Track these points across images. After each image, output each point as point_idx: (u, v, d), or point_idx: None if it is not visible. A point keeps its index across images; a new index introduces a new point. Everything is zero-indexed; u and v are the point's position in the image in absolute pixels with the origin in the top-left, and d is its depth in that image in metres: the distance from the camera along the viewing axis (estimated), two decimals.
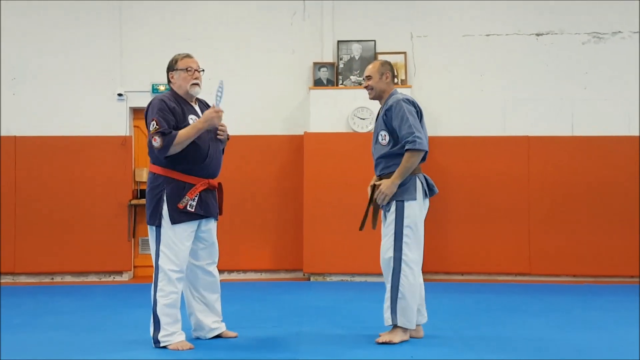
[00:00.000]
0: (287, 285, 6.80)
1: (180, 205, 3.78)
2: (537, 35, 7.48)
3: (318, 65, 7.37)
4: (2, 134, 7.26)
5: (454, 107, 7.40)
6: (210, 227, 3.99)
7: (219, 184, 4.02)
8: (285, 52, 7.52)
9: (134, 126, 7.56)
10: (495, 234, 7.21)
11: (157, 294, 3.78)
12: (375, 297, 5.46)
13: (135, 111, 7.52)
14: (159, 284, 3.78)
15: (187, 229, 3.83)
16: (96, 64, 7.41)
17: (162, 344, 3.80)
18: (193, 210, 3.81)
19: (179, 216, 3.79)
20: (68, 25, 7.41)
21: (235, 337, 4.10)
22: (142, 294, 6.17)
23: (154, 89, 7.38)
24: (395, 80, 4.27)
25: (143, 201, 7.29)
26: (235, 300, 5.57)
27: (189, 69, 3.90)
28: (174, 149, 3.75)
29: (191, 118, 3.87)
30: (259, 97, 7.50)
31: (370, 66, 4.16)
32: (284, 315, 5.01)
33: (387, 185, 3.93)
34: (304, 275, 7.23)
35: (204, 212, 3.87)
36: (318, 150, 7.10)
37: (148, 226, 3.89)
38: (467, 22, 7.51)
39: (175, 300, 3.81)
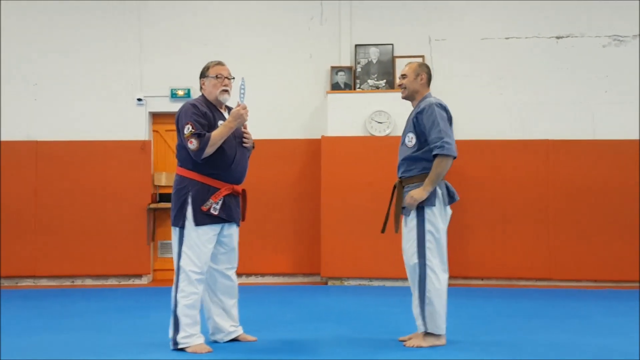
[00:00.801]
0: (304, 290, 6.80)
1: (204, 208, 3.84)
2: (557, 38, 7.42)
3: (335, 69, 7.37)
4: (23, 139, 7.35)
5: (472, 110, 7.36)
6: (232, 232, 4.02)
7: (243, 190, 4.07)
8: (303, 57, 7.54)
9: (153, 131, 7.62)
10: (515, 239, 7.15)
11: (178, 295, 3.82)
12: (393, 301, 5.45)
13: (155, 116, 7.59)
14: (180, 285, 3.82)
15: (210, 231, 3.88)
16: (116, 69, 7.49)
17: (180, 346, 3.82)
18: (216, 213, 3.87)
19: (203, 218, 3.84)
20: (88, 31, 7.50)
21: (254, 341, 4.11)
22: (161, 297, 6.22)
23: (173, 94, 7.44)
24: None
25: (162, 205, 7.35)
26: (254, 304, 5.57)
27: (219, 76, 3.99)
28: (209, 150, 3.83)
29: (220, 124, 3.93)
30: (276, 102, 7.52)
31: (407, 66, 4.19)
32: (302, 319, 5.00)
33: (418, 192, 3.92)
34: (321, 279, 7.22)
35: (226, 216, 3.92)
36: (336, 154, 7.10)
37: (172, 227, 3.93)
38: (485, 25, 7.47)
39: (196, 302, 3.84)
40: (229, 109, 4.13)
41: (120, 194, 7.32)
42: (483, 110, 7.38)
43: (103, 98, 7.47)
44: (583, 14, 7.39)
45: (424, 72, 4.15)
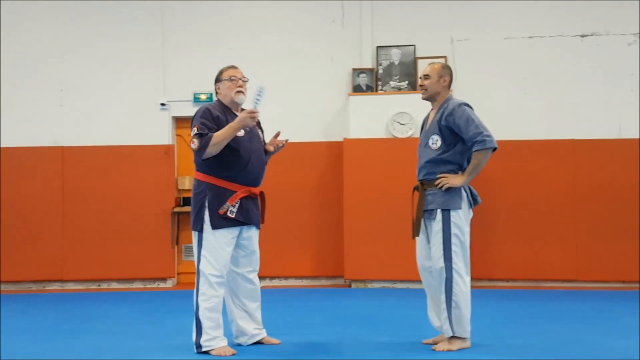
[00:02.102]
0: (328, 292, 6.79)
1: (221, 211, 3.85)
2: (582, 36, 7.32)
3: (357, 72, 7.36)
4: (50, 145, 7.45)
5: (496, 111, 7.28)
6: (252, 234, 4.03)
7: (261, 192, 4.07)
8: (324, 59, 7.55)
9: (177, 135, 7.67)
10: (541, 240, 7.06)
11: (199, 298, 3.84)
12: (417, 304, 5.41)
13: (178, 120, 7.65)
14: (201, 288, 3.84)
15: (228, 234, 3.89)
16: (139, 74, 7.56)
17: (204, 349, 3.83)
18: (233, 216, 3.87)
19: (220, 222, 3.86)
20: (112, 36, 7.58)
21: (278, 344, 4.11)
22: (186, 300, 6.25)
23: (196, 98, 7.49)
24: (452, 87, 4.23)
25: (186, 209, 7.41)
26: (277, 306, 5.58)
27: (232, 77, 4.01)
28: (212, 150, 3.82)
29: None
30: (298, 105, 7.53)
31: (430, 66, 4.14)
32: (325, 322, 4.99)
33: (456, 178, 3.91)
34: (345, 282, 7.21)
35: (244, 219, 3.92)
36: (358, 157, 7.09)
37: (192, 231, 3.95)
38: (508, 24, 7.40)
39: (217, 304, 3.85)
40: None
41: (145, 198, 7.38)
42: (507, 111, 7.31)
43: (127, 103, 7.55)
44: (607, 12, 7.28)
45: (447, 75, 4.11)
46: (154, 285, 7.40)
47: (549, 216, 7.07)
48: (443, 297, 3.89)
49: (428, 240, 4.01)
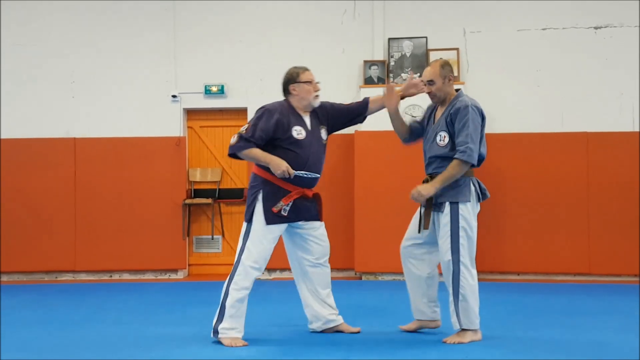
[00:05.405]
0: (338, 284, 6.73)
1: (275, 210, 3.95)
2: (596, 28, 7.25)
3: (369, 64, 7.33)
4: (62, 136, 7.49)
5: (509, 103, 7.24)
6: (315, 225, 4.12)
7: (316, 194, 4.15)
8: (336, 51, 7.51)
9: (188, 127, 7.69)
10: (554, 233, 7.02)
11: (231, 286, 3.91)
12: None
13: (189, 112, 7.66)
14: (236, 277, 3.92)
15: (276, 231, 4.00)
16: (151, 66, 7.57)
17: (220, 335, 3.89)
18: (286, 214, 3.97)
19: (272, 218, 3.96)
20: (123, 28, 7.59)
21: (358, 332, 4.18)
22: (197, 292, 6.30)
23: (207, 90, 7.50)
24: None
25: (197, 200, 7.44)
26: (288, 298, 5.59)
27: (312, 81, 4.10)
28: (241, 156, 3.98)
29: (295, 129, 4.01)
30: None
31: (430, 70, 4.01)
32: None
33: (426, 188, 3.90)
34: (355, 274, 7.21)
35: (295, 217, 4.01)
36: (369, 149, 7.07)
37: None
38: (521, 16, 7.34)
39: (245, 296, 3.94)
40: (312, 111, 4.17)
41: (156, 189, 7.41)
42: (520, 103, 7.26)
43: (138, 95, 7.57)
44: (621, 3, 7.20)
45: (450, 72, 4.01)
46: (165, 277, 7.44)
47: (562, 209, 7.03)
48: (451, 290, 3.90)
49: (419, 230, 4.03)
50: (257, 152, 3.94)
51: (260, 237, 3.95)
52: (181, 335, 4.19)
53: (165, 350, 3.80)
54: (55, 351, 3.81)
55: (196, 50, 7.57)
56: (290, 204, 3.97)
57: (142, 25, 7.60)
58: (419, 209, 4.12)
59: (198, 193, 7.58)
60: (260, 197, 3.96)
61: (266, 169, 3.97)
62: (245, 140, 3.93)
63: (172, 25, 7.59)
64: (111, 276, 7.46)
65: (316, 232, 4.14)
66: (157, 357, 3.65)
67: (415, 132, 4.27)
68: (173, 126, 7.52)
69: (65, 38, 7.60)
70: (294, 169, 3.95)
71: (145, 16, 7.61)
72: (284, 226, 4.02)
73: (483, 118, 3.99)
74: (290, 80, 4.12)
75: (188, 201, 7.45)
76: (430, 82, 4.00)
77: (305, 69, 4.15)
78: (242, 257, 3.94)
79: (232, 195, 7.61)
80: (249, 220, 3.98)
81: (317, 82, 4.14)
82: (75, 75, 7.59)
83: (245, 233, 3.99)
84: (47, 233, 7.35)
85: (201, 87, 7.53)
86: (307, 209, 4.07)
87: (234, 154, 4.00)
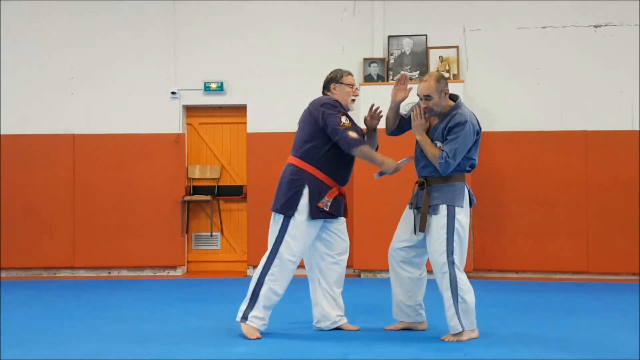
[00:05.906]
0: None
1: (320, 205, 4.02)
2: (595, 27, 7.25)
3: (368, 61, 7.33)
4: (61, 133, 7.48)
5: (508, 101, 7.24)
6: (342, 221, 4.21)
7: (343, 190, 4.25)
8: (335, 49, 7.50)
9: (187, 124, 7.68)
10: (552, 231, 7.03)
11: (268, 277, 3.97)
12: (426, 294, 5.40)
13: (189, 109, 7.65)
14: (272, 269, 3.98)
15: (317, 225, 4.07)
16: (150, 63, 7.56)
17: (247, 322, 3.95)
18: (328, 209, 4.04)
19: (317, 213, 4.03)
20: (123, 25, 7.58)
21: (357, 330, 4.21)
22: (196, 288, 6.30)
23: (206, 87, 7.49)
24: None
25: (196, 197, 7.43)
26: (287, 296, 5.58)
27: (353, 85, 4.23)
28: (357, 152, 4.03)
29: None
30: (309, 94, 7.36)
31: (425, 85, 3.94)
32: None
33: (420, 130, 4.04)
34: (354, 272, 7.21)
35: (335, 212, 4.10)
36: None
37: (273, 213, 4.07)
38: (521, 14, 7.33)
39: (280, 289, 4.00)
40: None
41: (155, 186, 7.41)
42: (520, 102, 7.26)
43: (138, 92, 7.55)
44: (621, 2, 7.19)
45: (445, 86, 3.97)
46: (164, 274, 7.44)
47: (560, 207, 7.04)
48: (448, 293, 3.90)
49: (414, 232, 4.06)
50: (369, 150, 4.09)
51: (302, 232, 4.00)
52: (180, 332, 4.19)
53: (164, 347, 3.81)
54: (53, 347, 3.81)
55: (196, 47, 7.56)
56: (332, 199, 4.04)
57: (142, 21, 7.58)
58: (406, 210, 4.20)
59: (197, 190, 7.57)
60: (306, 192, 4.01)
61: (314, 164, 4.03)
62: (359, 134, 4.06)
63: (172, 23, 7.57)
64: (110, 273, 7.46)
65: (341, 226, 4.22)
66: (155, 354, 3.65)
67: (402, 127, 4.34)
68: (172, 123, 7.51)
69: (65, 34, 7.57)
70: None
71: (145, 12, 7.58)
72: (322, 221, 4.09)
73: (478, 133, 4.00)
74: (334, 79, 4.25)
75: (187, 198, 7.45)
76: (427, 98, 3.96)
77: (349, 73, 4.28)
78: (281, 249, 3.99)
79: (231, 192, 7.61)
80: (290, 214, 3.99)
81: (357, 88, 4.28)
82: (74, 72, 7.58)
83: (282, 226, 4.01)
84: (46, 229, 7.35)
85: (200, 84, 7.52)
86: (340, 205, 4.16)
87: (357, 149, 4.00)
